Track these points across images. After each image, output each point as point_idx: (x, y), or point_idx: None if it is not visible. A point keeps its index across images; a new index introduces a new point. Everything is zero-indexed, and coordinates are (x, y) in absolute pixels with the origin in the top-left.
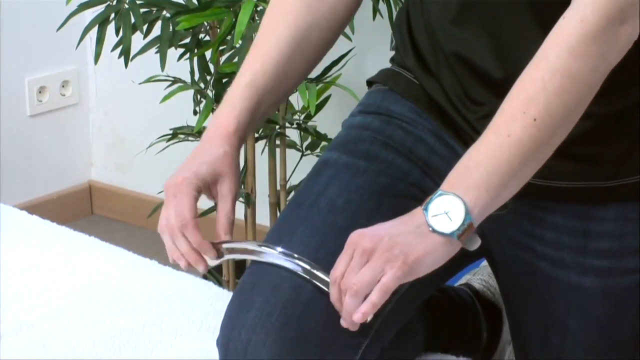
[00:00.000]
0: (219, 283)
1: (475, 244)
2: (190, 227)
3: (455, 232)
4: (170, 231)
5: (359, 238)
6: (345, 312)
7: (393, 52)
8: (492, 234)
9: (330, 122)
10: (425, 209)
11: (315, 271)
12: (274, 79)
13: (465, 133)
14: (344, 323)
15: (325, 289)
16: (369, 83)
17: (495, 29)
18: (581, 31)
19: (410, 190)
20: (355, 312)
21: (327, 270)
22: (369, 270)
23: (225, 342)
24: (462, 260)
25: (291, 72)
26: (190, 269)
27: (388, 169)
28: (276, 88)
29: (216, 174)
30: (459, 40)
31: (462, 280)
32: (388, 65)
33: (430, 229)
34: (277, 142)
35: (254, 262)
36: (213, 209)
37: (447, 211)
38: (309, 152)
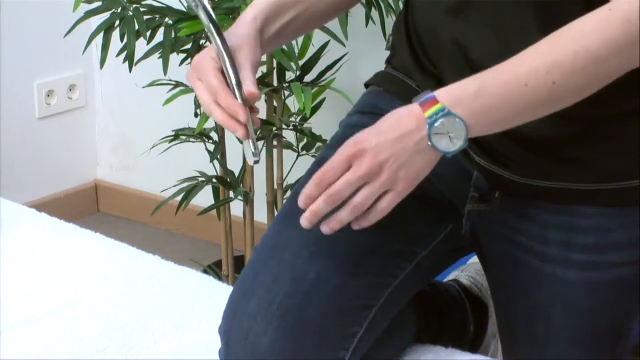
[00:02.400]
0: (219, 277)
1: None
2: (221, 91)
3: (452, 152)
4: (208, 108)
5: (360, 153)
6: (335, 220)
7: (385, 56)
8: (481, 229)
9: (324, 123)
10: (431, 125)
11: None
12: None
13: None
14: (324, 226)
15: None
16: (366, 85)
17: (497, 24)
18: (626, 30)
19: None
20: (353, 224)
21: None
22: (371, 193)
23: (227, 330)
24: (453, 257)
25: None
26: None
27: None
28: (297, 7)
29: (233, 49)
30: (460, 35)
31: (451, 276)
32: (380, 68)
33: (430, 144)
34: (274, 143)
35: (255, 254)
36: (212, 207)
37: (450, 133)
38: (304, 152)
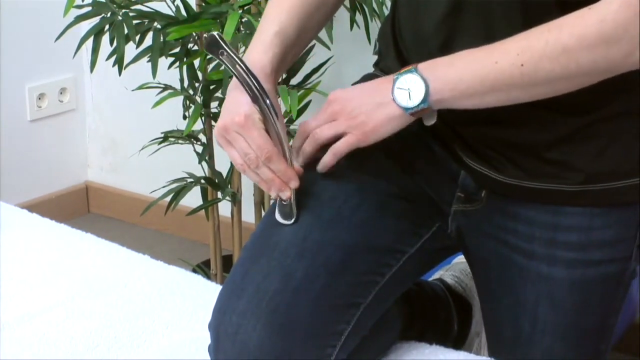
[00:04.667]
0: (208, 276)
1: (432, 120)
2: (276, 156)
3: (409, 109)
4: (253, 164)
5: (333, 98)
6: (302, 153)
7: (369, 59)
8: (468, 228)
9: None
10: (396, 79)
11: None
12: (297, 30)
13: (442, 132)
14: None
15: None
16: None
17: (487, 31)
18: (599, 29)
19: (390, 188)
20: (319, 166)
21: None
22: (330, 128)
23: (217, 326)
24: (439, 256)
25: (309, 27)
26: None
27: (369, 166)
28: (298, 40)
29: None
30: (448, 42)
31: (436, 276)
32: (364, 71)
33: (392, 97)
34: None
35: (244, 252)
36: (201, 207)
37: (409, 89)
38: None
